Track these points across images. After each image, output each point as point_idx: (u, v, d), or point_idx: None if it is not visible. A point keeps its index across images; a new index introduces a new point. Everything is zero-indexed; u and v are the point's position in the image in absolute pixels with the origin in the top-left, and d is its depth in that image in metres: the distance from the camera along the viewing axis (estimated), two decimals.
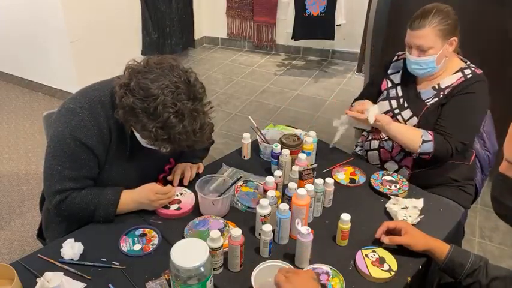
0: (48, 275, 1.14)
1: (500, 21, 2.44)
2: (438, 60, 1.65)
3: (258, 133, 1.76)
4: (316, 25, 4.12)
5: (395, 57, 1.89)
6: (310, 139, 1.66)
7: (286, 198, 1.40)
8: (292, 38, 4.27)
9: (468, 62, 1.74)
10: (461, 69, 1.70)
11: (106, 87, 1.38)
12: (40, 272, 1.17)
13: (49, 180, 1.35)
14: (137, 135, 1.34)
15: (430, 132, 1.65)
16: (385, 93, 1.85)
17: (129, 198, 1.40)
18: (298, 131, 1.87)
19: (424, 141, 1.63)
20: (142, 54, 4.20)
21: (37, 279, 1.14)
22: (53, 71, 3.73)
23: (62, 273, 1.17)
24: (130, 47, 4.07)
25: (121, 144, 1.40)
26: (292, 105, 3.85)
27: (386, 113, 1.79)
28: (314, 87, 4.17)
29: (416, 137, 1.65)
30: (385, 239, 1.30)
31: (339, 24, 4.16)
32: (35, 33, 3.60)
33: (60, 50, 3.54)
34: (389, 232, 1.32)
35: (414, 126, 1.72)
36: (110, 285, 1.17)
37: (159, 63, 1.26)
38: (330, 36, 4.17)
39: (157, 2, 4.18)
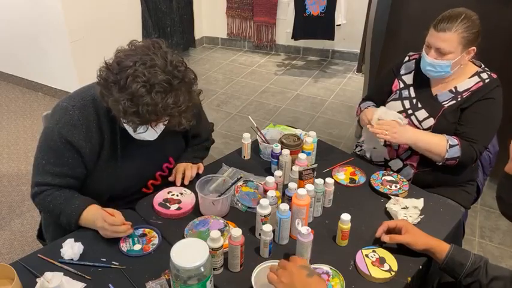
0: (48, 275, 1.14)
1: (503, 21, 2.44)
2: (453, 66, 1.64)
3: (258, 133, 1.76)
4: (316, 25, 4.12)
5: (407, 58, 1.87)
6: (310, 139, 1.66)
7: (286, 198, 1.40)
8: (292, 38, 4.27)
9: (482, 66, 1.74)
10: (478, 73, 1.70)
11: None
12: (40, 272, 1.17)
13: (33, 171, 1.39)
14: (128, 127, 1.31)
15: (454, 137, 1.65)
16: (397, 93, 1.84)
17: (89, 217, 1.33)
18: (298, 131, 1.87)
19: (450, 146, 1.62)
20: None
21: (37, 279, 1.14)
22: (53, 71, 3.73)
23: (62, 273, 1.16)
24: None
25: (113, 144, 1.41)
26: (292, 105, 3.85)
27: (399, 113, 1.78)
28: (314, 87, 4.17)
29: (442, 142, 1.63)
30: (386, 238, 1.30)
31: (339, 24, 4.16)
32: (35, 33, 3.60)
33: (60, 50, 3.54)
34: (390, 231, 1.32)
35: (430, 126, 1.71)
36: (110, 285, 1.17)
37: (143, 43, 1.28)
38: (330, 36, 4.17)
39: (158, 2, 4.19)
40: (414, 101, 1.78)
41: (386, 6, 2.73)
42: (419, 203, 1.49)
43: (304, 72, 4.48)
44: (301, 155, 1.54)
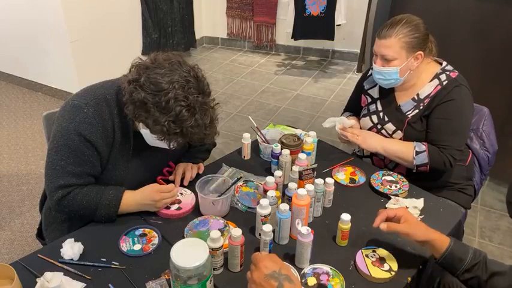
0: (48, 275, 1.14)
1: (503, 21, 2.44)
2: (401, 73, 1.63)
3: (258, 133, 1.76)
4: (316, 25, 4.12)
5: (370, 71, 1.86)
6: (310, 139, 1.66)
7: (286, 198, 1.40)
8: (292, 38, 4.27)
9: (443, 64, 1.71)
10: (437, 76, 1.68)
11: (111, 86, 1.38)
12: (40, 272, 1.17)
13: (51, 175, 1.34)
14: (144, 132, 1.33)
15: (423, 143, 1.64)
16: (365, 109, 1.84)
17: (132, 200, 1.39)
18: (298, 131, 1.87)
19: (417, 152, 1.62)
20: (142, 54, 4.20)
21: (37, 279, 1.14)
22: (53, 71, 3.73)
23: (62, 273, 1.17)
24: (131, 47, 4.07)
25: (124, 143, 1.40)
26: (292, 105, 3.85)
27: (370, 129, 1.79)
28: (314, 87, 4.17)
29: (409, 149, 1.64)
30: (383, 226, 1.26)
31: (339, 24, 4.16)
32: (35, 33, 3.60)
33: (60, 50, 3.54)
34: (389, 221, 1.29)
35: (400, 139, 1.71)
36: (110, 285, 1.17)
37: (167, 59, 1.28)
38: (330, 36, 4.17)
39: (159, 2, 4.18)
40: (381, 114, 1.77)
41: (386, 7, 2.73)
42: (419, 203, 1.49)
43: (304, 72, 4.48)
44: (301, 155, 1.54)
